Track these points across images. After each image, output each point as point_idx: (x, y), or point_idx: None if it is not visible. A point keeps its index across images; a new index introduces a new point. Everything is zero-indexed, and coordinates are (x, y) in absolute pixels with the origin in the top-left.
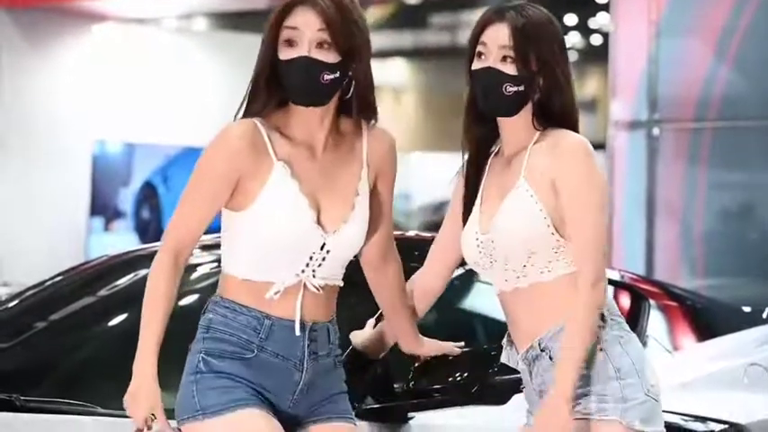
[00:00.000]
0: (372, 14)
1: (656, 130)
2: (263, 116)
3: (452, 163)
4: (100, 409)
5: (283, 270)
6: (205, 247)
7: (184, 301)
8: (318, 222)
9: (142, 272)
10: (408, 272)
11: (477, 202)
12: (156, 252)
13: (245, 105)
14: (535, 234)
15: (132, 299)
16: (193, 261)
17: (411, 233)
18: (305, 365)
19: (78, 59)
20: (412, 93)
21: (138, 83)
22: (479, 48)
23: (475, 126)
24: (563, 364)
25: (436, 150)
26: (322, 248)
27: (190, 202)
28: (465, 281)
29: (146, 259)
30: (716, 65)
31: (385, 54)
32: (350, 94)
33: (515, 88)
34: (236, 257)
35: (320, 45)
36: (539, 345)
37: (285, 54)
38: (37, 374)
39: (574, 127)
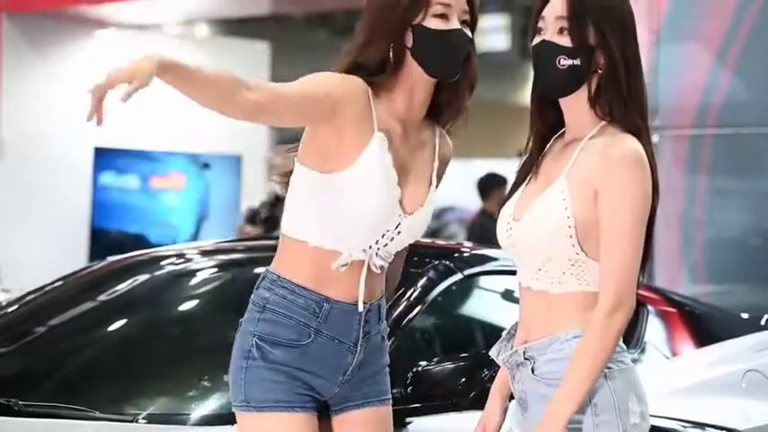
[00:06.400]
0: None
1: (655, 137)
2: (366, 79)
3: (452, 169)
4: (99, 414)
5: (354, 242)
6: (205, 253)
7: (185, 307)
8: (400, 202)
9: (142, 277)
10: (409, 277)
11: (526, 181)
12: (156, 257)
13: (349, 63)
14: (554, 243)
15: (132, 304)
16: (193, 267)
17: None
18: (358, 347)
19: (80, 65)
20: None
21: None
22: (539, 23)
23: (537, 115)
24: (558, 397)
25: None
26: (396, 228)
27: (298, 82)
28: (462, 286)
29: (146, 264)
30: (716, 72)
31: None
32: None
33: (570, 61)
34: (311, 221)
35: (463, 22)
36: (523, 353)
37: (437, 25)
38: (36, 379)
39: (639, 118)
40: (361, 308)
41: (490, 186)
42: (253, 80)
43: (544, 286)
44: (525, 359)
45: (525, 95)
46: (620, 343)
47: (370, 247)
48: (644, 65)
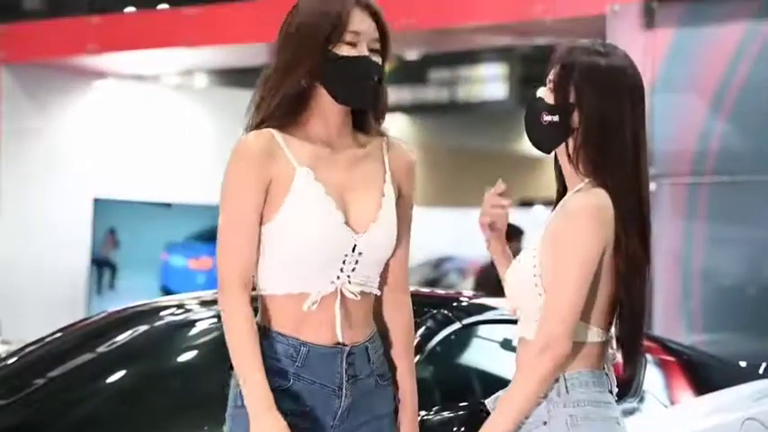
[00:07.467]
0: None
1: (652, 185)
2: (279, 123)
3: (451, 218)
4: None
5: (318, 278)
6: (204, 303)
7: (184, 358)
8: (348, 224)
9: (141, 328)
10: None
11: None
12: (155, 308)
13: (263, 110)
14: (523, 292)
15: (132, 355)
16: (192, 317)
17: (410, 289)
18: (344, 391)
19: (78, 116)
20: (410, 148)
21: (139, 139)
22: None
23: (557, 170)
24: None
25: (435, 206)
26: (354, 250)
27: (233, 228)
28: (461, 336)
29: (145, 315)
30: (712, 120)
31: None
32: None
33: (550, 117)
34: (269, 272)
35: (372, 50)
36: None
37: (347, 52)
38: (37, 431)
39: (620, 178)
40: (339, 337)
41: (507, 236)
42: (235, 290)
43: (522, 333)
44: None
45: (523, 145)
46: (603, 396)
47: (338, 277)
48: None
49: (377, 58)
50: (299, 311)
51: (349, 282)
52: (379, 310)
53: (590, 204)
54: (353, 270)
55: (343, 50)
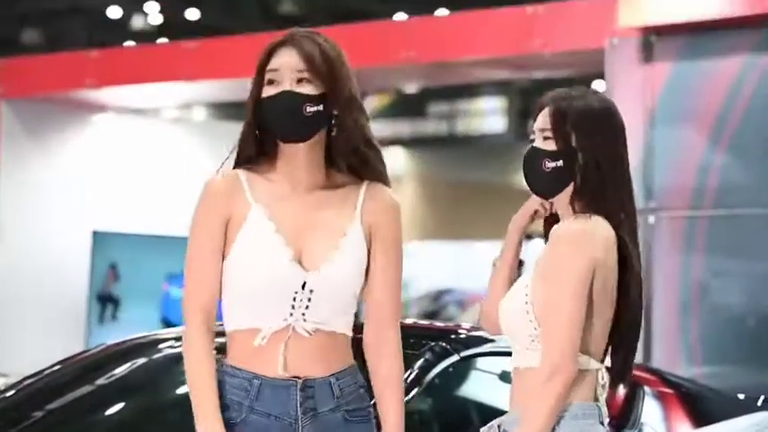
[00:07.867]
0: (371, 103)
1: (651, 219)
2: (251, 165)
3: (450, 251)
4: None
5: (270, 314)
6: None
7: (182, 391)
8: (300, 261)
9: (140, 360)
10: (406, 359)
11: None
12: (154, 340)
13: (234, 152)
14: (515, 320)
15: (131, 388)
16: None
17: (408, 321)
18: (300, 424)
19: (77, 149)
20: (410, 181)
21: (138, 172)
22: (532, 135)
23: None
24: None
25: (434, 239)
26: (304, 287)
27: (197, 263)
28: (459, 368)
29: (144, 348)
30: (711, 153)
31: (383, 143)
32: (339, 133)
33: (554, 163)
34: (227, 309)
35: (300, 81)
36: (498, 427)
37: (267, 92)
38: None
39: (624, 212)
40: (280, 371)
41: None
42: (197, 319)
43: (516, 362)
44: None
45: (522, 177)
46: (594, 428)
47: (291, 314)
48: (639, 145)
49: (306, 89)
50: (249, 346)
51: (304, 320)
52: (366, 346)
53: (572, 229)
54: (307, 307)
55: (265, 91)
